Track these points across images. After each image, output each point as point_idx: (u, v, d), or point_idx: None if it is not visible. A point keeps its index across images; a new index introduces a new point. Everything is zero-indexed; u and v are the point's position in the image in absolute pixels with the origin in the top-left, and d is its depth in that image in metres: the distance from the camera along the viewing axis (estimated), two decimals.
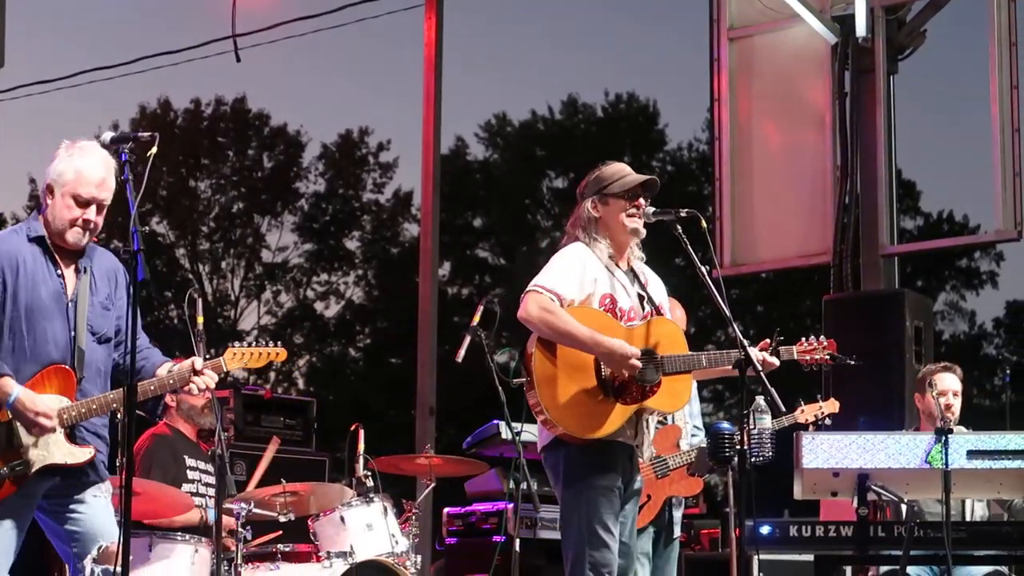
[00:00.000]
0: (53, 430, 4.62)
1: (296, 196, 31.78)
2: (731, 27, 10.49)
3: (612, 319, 4.99)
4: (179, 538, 5.59)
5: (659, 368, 4.98)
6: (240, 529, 5.83)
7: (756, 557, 6.09)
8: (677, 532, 6.28)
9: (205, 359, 4.84)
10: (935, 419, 6.42)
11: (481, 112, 38.83)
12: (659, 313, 5.12)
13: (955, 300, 30.31)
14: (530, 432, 5.81)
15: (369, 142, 31.92)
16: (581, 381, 4.92)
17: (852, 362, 5.48)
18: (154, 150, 4.46)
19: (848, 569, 7.24)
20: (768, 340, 5.19)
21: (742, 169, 10.39)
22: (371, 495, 6.34)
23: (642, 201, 5.10)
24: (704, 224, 4.97)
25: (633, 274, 5.17)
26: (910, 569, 5.95)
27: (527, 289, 4.99)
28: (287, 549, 6.12)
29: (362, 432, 6.73)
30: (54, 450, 4.64)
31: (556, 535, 5.23)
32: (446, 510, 8.31)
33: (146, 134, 4.52)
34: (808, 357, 5.29)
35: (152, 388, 4.75)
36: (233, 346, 4.95)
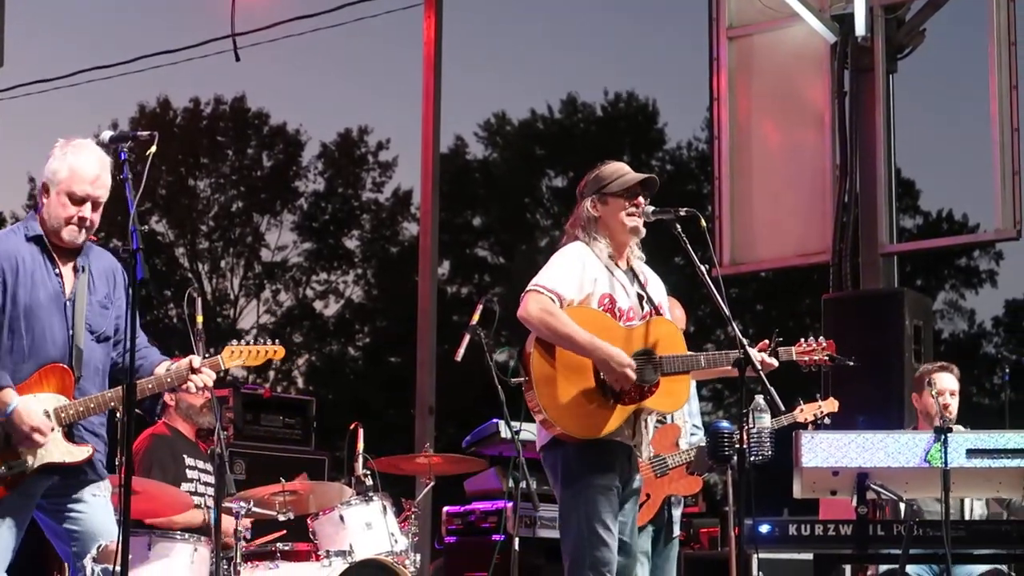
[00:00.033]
0: (42, 445, 4.62)
1: (295, 195, 31.79)
2: (730, 26, 10.50)
3: (611, 319, 4.99)
4: (178, 537, 5.59)
5: (657, 368, 4.98)
6: (240, 528, 5.83)
7: (755, 556, 6.08)
8: (676, 531, 6.28)
9: (204, 358, 4.85)
10: (932, 418, 6.43)
11: (480, 111, 38.81)
12: (658, 313, 5.12)
13: (954, 299, 30.35)
14: (529, 431, 5.80)
15: (368, 141, 31.95)
16: (579, 381, 4.92)
17: (851, 363, 5.48)
18: (153, 149, 4.47)
19: (847, 568, 7.26)
20: (767, 341, 5.19)
21: (741, 168, 10.39)
22: (370, 494, 6.34)
23: (641, 200, 5.10)
24: (703, 223, 4.97)
25: (633, 274, 5.17)
26: (909, 568, 5.96)
27: (527, 288, 4.98)
28: (286, 548, 6.12)
29: (361, 431, 6.73)
30: (52, 449, 4.64)
31: (555, 534, 5.22)
32: (445, 509, 8.31)
33: (145, 133, 4.52)
34: (807, 358, 5.29)
35: (150, 387, 4.76)
36: (231, 344, 4.96)
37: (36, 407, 4.61)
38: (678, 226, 5.04)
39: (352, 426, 6.76)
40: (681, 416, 6.29)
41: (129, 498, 4.14)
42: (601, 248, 5.09)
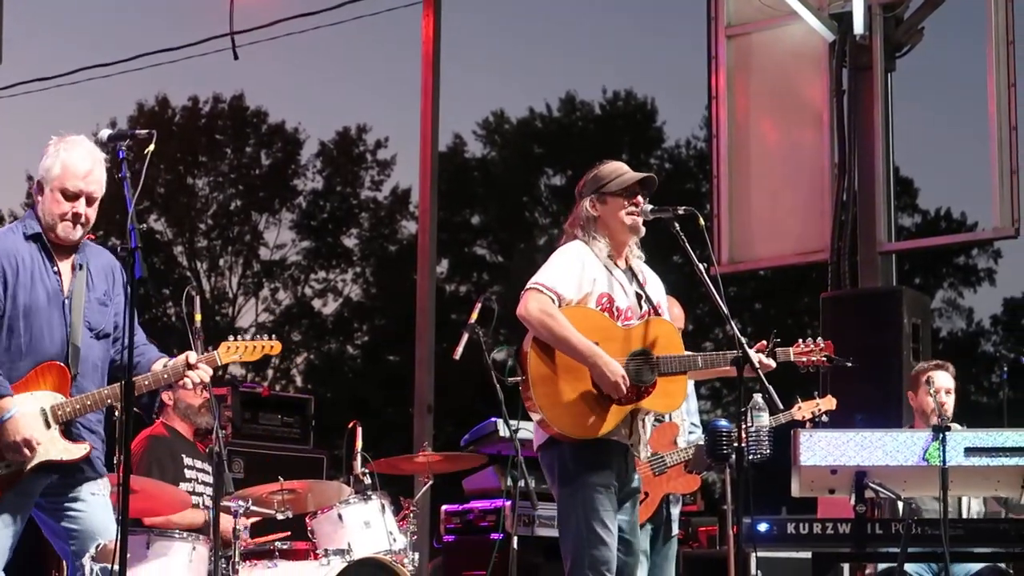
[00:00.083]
0: (29, 461, 4.61)
1: (294, 193, 31.78)
2: (729, 25, 10.50)
3: (608, 319, 4.99)
4: (177, 536, 5.59)
5: (655, 369, 4.98)
6: (239, 527, 5.82)
7: (754, 554, 6.07)
8: (675, 529, 6.28)
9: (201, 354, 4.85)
10: (929, 416, 6.44)
11: (479, 110, 38.86)
12: (657, 312, 5.12)
13: (953, 297, 30.36)
14: (527, 430, 5.80)
15: (367, 139, 31.94)
16: (576, 381, 4.92)
17: (849, 364, 5.48)
18: (151, 147, 4.47)
19: (846, 566, 7.26)
20: (764, 341, 5.19)
21: (740, 167, 10.39)
22: (369, 493, 6.34)
23: (640, 199, 5.10)
24: (702, 222, 4.96)
25: (632, 273, 5.17)
26: (908, 566, 5.96)
27: (527, 286, 4.98)
28: (285, 547, 6.12)
29: (360, 430, 6.73)
30: (50, 446, 4.64)
31: (554, 533, 5.23)
32: (444, 507, 8.30)
33: (143, 131, 4.52)
34: (805, 359, 5.29)
35: (147, 383, 4.76)
36: (228, 340, 4.95)
37: (33, 412, 4.60)
38: (676, 225, 5.04)
39: (350, 425, 6.76)
40: (679, 414, 6.29)
41: (127, 497, 4.14)
42: (600, 247, 5.09)
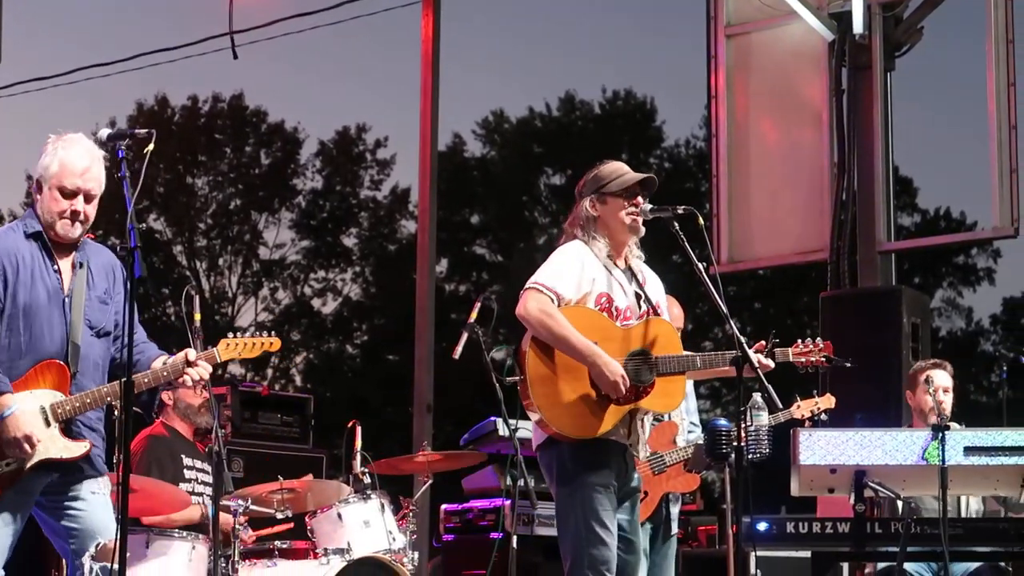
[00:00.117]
0: (28, 459, 4.61)
1: (293, 193, 31.78)
2: (728, 24, 10.49)
3: (607, 319, 5.00)
4: (176, 535, 5.59)
5: (653, 369, 4.98)
6: (238, 526, 5.82)
7: (753, 554, 6.07)
8: (674, 528, 6.28)
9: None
10: (927, 415, 6.44)
11: (478, 109, 38.81)
12: (656, 312, 5.12)
13: (952, 297, 30.37)
14: (527, 429, 5.80)
15: (366, 139, 31.93)
16: (575, 381, 4.92)
17: (848, 364, 5.47)
18: (151, 147, 4.47)
19: (845, 566, 7.25)
20: (763, 342, 5.18)
21: (739, 166, 10.39)
22: (368, 492, 6.34)
23: (640, 199, 5.10)
24: (701, 221, 4.96)
25: (631, 273, 5.17)
26: (907, 565, 5.96)
27: (526, 286, 4.98)
28: (284, 546, 6.12)
29: (359, 429, 6.73)
30: (50, 445, 4.64)
31: (553, 532, 5.22)
32: (443, 507, 8.30)
33: (143, 131, 4.53)
34: (804, 359, 5.29)
35: (146, 381, 4.76)
36: (227, 337, 4.95)
37: (32, 410, 4.61)
38: (676, 224, 5.04)
39: (350, 424, 6.76)
40: (678, 413, 6.29)
41: (127, 496, 4.14)
42: (600, 247, 5.09)
